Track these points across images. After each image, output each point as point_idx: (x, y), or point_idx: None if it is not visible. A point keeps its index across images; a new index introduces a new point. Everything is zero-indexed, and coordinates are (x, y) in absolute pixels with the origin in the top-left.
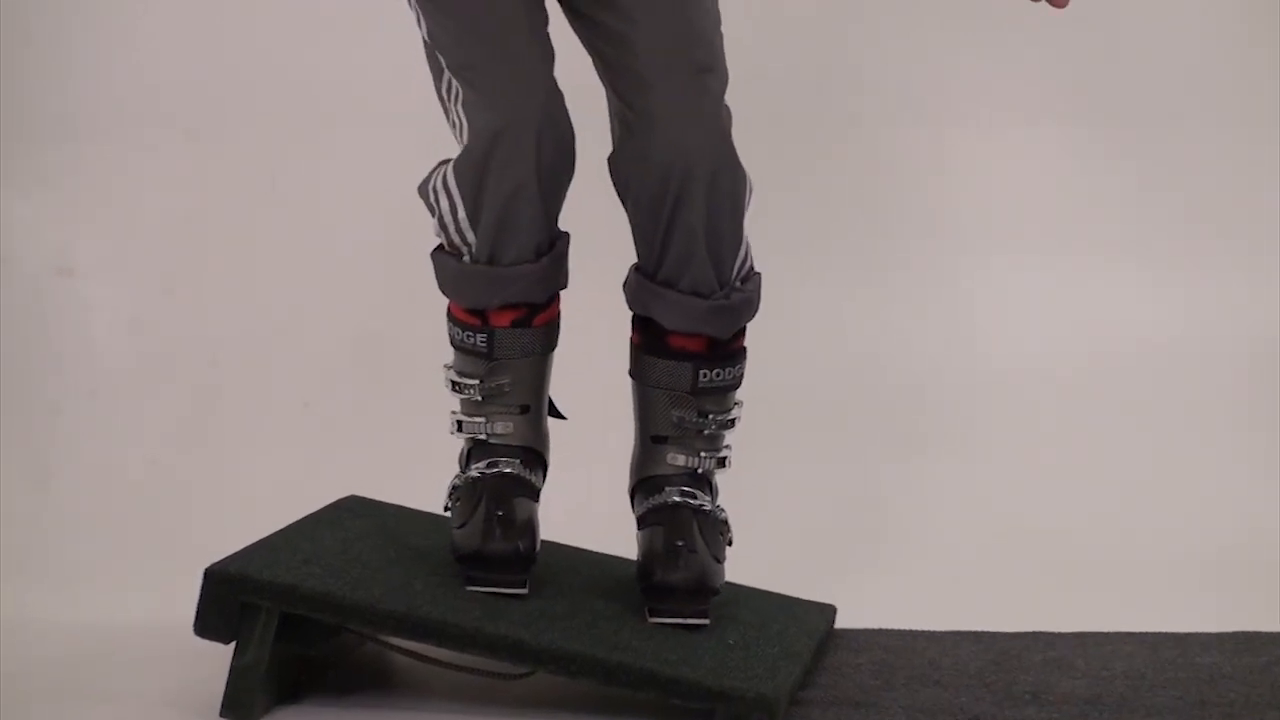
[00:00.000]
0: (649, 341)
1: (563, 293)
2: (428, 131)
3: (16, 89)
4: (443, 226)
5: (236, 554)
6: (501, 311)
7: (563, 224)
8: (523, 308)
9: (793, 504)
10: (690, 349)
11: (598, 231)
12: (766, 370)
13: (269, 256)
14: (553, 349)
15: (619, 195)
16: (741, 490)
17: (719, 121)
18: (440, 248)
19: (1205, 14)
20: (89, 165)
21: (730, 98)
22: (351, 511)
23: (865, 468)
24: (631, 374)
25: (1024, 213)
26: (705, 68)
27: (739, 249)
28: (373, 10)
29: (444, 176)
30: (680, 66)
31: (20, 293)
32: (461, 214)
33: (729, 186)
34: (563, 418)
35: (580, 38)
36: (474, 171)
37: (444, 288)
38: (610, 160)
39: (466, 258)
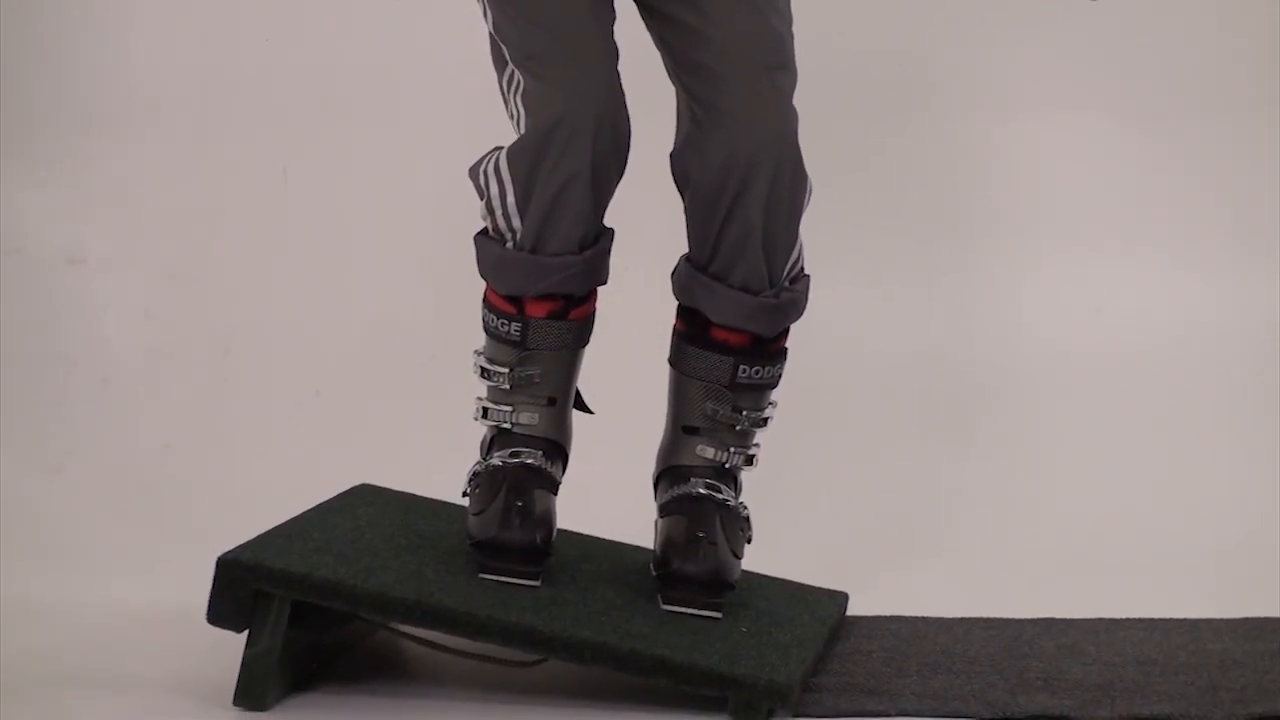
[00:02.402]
0: (692, 332)
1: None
2: (439, 122)
3: (27, 81)
4: (490, 211)
5: (249, 542)
6: (539, 302)
7: (608, 217)
8: (559, 300)
9: (806, 492)
10: (733, 343)
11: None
12: (789, 357)
13: (280, 246)
14: (585, 344)
15: (678, 186)
16: (758, 477)
17: (787, 119)
18: (484, 232)
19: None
20: (100, 156)
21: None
22: (363, 500)
23: (878, 457)
24: (671, 362)
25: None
26: (777, 65)
27: (793, 249)
28: (382, 1)
29: (497, 161)
30: (753, 63)
31: (32, 283)
32: (510, 199)
33: (790, 185)
34: (590, 412)
35: (652, 33)
36: (529, 159)
37: (484, 272)
38: (673, 155)
39: (510, 244)
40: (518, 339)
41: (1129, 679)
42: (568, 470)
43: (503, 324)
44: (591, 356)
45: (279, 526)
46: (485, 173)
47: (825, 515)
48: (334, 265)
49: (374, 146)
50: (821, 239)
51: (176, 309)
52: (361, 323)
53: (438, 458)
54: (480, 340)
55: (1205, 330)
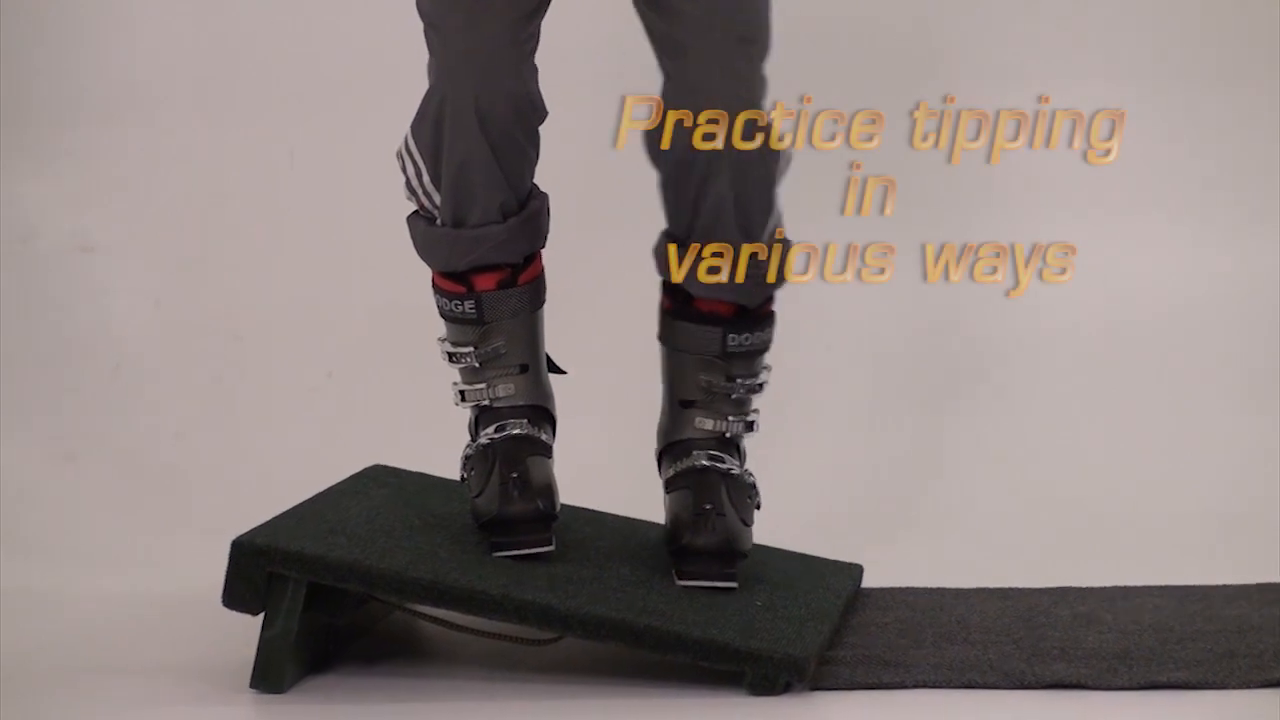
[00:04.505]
0: (678, 306)
1: (591, 256)
2: None
3: (36, 70)
4: (412, 190)
5: (263, 525)
6: (485, 274)
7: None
8: (505, 269)
9: (821, 465)
10: (720, 313)
11: (625, 203)
12: (798, 330)
13: (289, 230)
14: (541, 305)
15: (651, 162)
16: (771, 452)
17: (752, 90)
18: (416, 212)
19: None
20: (109, 144)
21: (776, 61)
22: (376, 481)
23: (892, 428)
24: (660, 339)
25: (1068, 177)
26: (747, 39)
27: (769, 217)
28: None
29: (406, 140)
30: (721, 37)
31: (43, 271)
32: (426, 177)
33: (759, 154)
34: (563, 372)
35: (639, 13)
36: (430, 137)
37: (419, 251)
38: (646, 131)
39: (438, 220)
40: (474, 316)
41: (1145, 646)
42: (580, 447)
43: (456, 304)
44: (589, 338)
45: (293, 509)
46: (400, 154)
47: (839, 487)
48: (343, 247)
49: (380, 128)
50: (813, 210)
51: (186, 296)
52: (372, 304)
53: (451, 437)
54: (441, 327)
55: (1211, 296)
